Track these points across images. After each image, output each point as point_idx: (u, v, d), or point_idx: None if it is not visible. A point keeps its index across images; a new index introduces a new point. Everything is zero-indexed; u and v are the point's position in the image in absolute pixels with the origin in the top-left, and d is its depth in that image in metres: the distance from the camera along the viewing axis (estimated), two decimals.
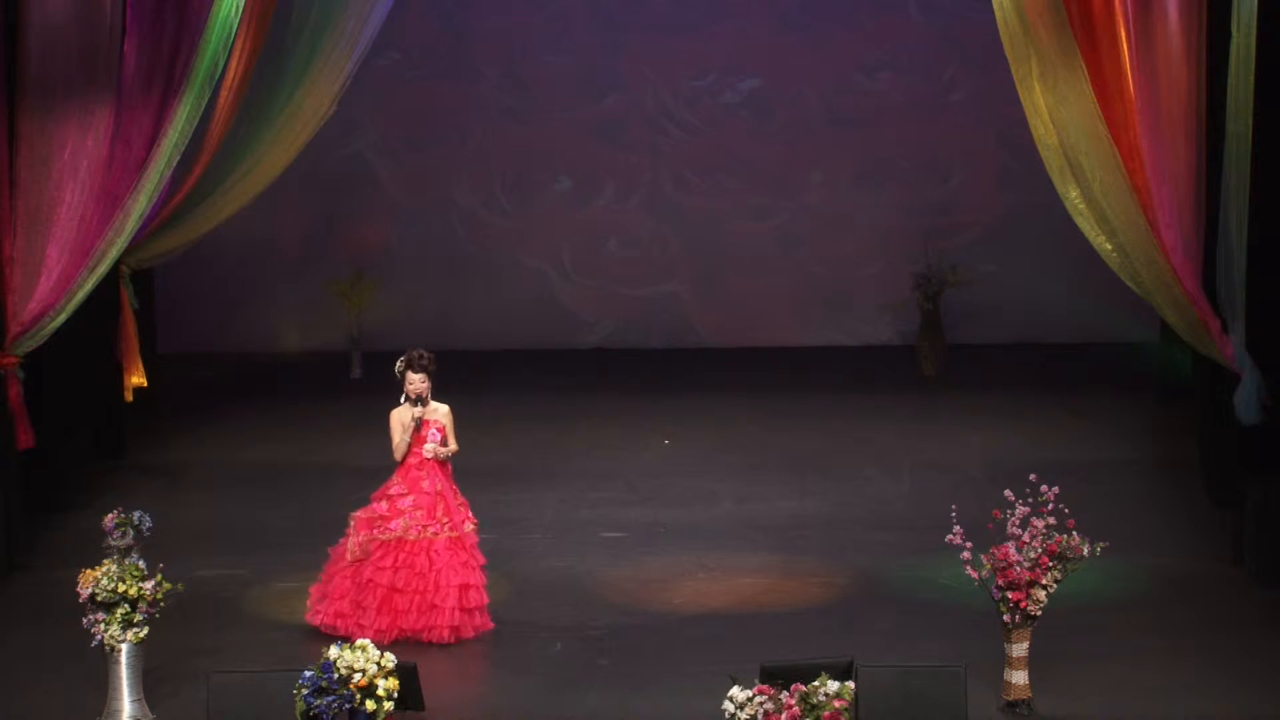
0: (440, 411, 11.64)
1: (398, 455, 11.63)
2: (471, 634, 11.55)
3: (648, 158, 19.51)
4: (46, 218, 12.78)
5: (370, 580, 11.53)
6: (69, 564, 11.18)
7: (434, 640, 11.43)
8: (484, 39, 19.33)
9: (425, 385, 11.54)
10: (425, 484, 11.58)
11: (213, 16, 13.05)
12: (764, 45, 19.30)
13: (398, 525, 11.53)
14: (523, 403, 17.00)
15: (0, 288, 12.73)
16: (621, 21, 19.32)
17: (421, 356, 11.55)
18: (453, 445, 11.67)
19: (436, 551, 11.50)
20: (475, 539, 11.69)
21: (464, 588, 11.52)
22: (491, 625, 11.67)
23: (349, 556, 11.62)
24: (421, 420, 11.56)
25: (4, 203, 12.68)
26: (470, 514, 11.73)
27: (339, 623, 11.52)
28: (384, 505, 11.61)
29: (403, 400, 11.61)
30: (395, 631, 11.45)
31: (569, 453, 15.81)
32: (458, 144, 19.48)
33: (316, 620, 11.59)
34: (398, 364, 11.60)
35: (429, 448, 11.55)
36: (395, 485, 11.64)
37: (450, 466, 11.73)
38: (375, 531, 11.57)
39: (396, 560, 11.50)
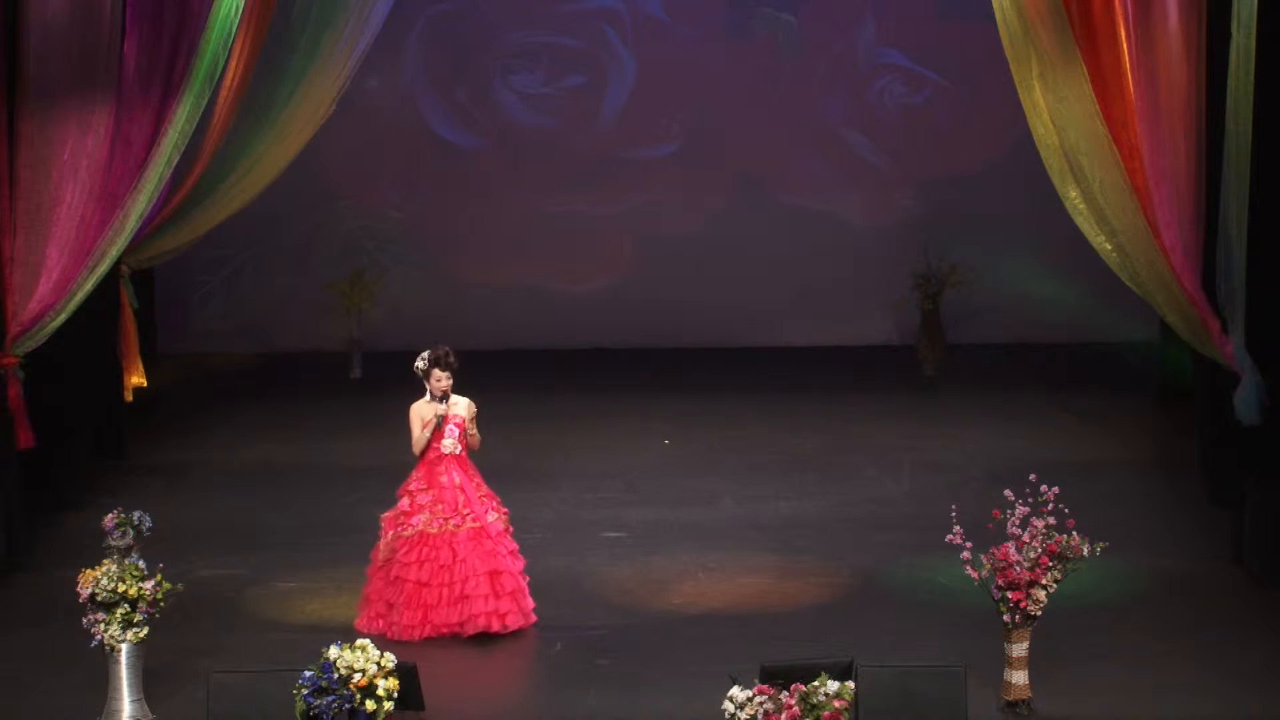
0: (461, 405, 11.67)
1: (416, 450, 11.66)
2: (521, 621, 11.60)
3: (650, 157, 19.51)
4: (46, 218, 12.78)
5: (398, 577, 11.58)
6: (69, 564, 11.17)
7: (476, 631, 11.45)
8: (486, 47, 19.36)
9: (448, 383, 11.58)
10: (444, 478, 11.60)
11: (213, 16, 13.05)
12: (762, 45, 19.33)
13: (419, 520, 11.56)
14: (523, 403, 16.99)
15: (0, 288, 12.72)
16: (627, 22, 19.33)
17: (447, 354, 11.58)
18: (475, 436, 11.70)
19: (459, 543, 11.52)
20: (501, 528, 11.69)
21: (494, 574, 11.55)
22: (534, 620, 11.73)
23: (379, 558, 11.68)
24: (443, 417, 11.58)
25: (4, 203, 12.68)
26: (497, 505, 11.76)
27: (377, 623, 11.59)
28: (405, 502, 11.65)
29: (427, 397, 11.65)
30: (429, 627, 11.48)
31: (569, 453, 15.81)
32: (459, 146, 19.48)
33: (361, 626, 11.62)
34: (421, 361, 11.61)
35: (446, 443, 11.57)
36: (415, 481, 11.68)
37: (471, 461, 11.73)
38: (399, 529, 11.62)
39: (420, 555, 11.53)
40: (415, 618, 11.49)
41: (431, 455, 11.65)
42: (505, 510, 11.84)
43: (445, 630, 11.49)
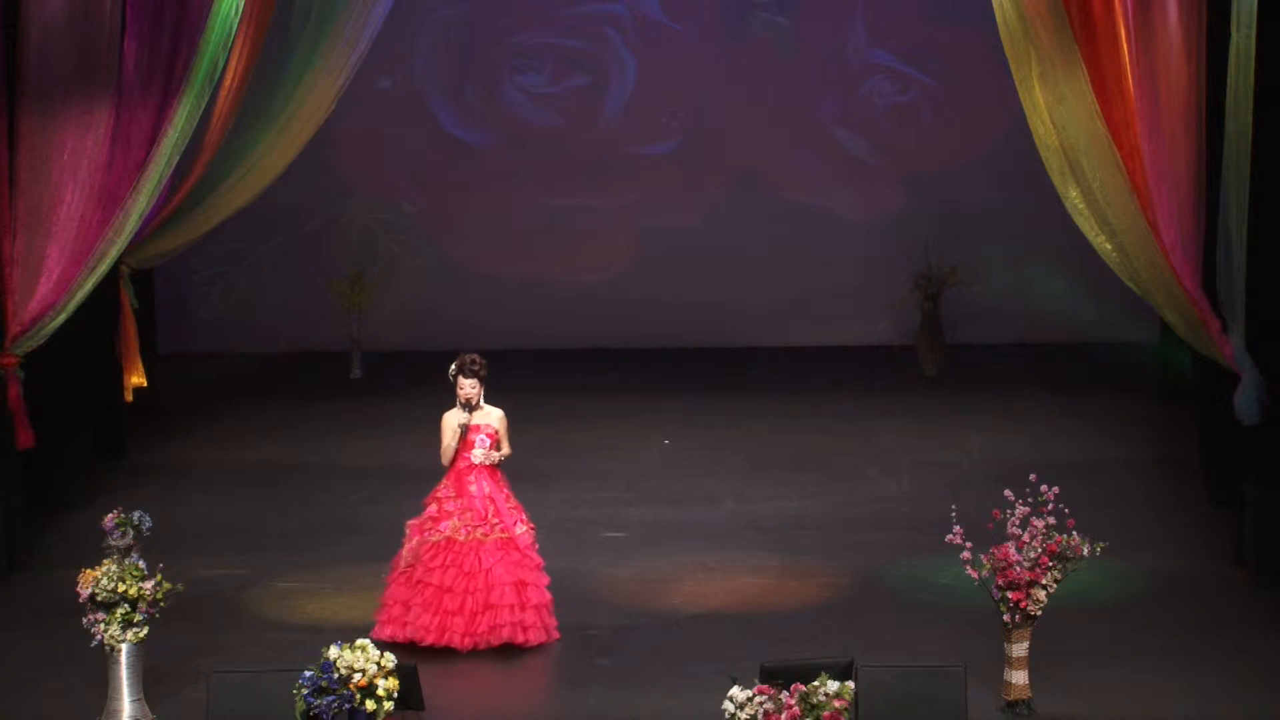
0: (493, 416, 11.52)
1: (444, 459, 11.54)
2: (544, 636, 11.42)
3: (649, 157, 19.53)
4: (46, 218, 12.78)
5: (420, 581, 11.47)
6: (69, 564, 11.18)
7: (500, 642, 11.30)
8: (493, 48, 19.40)
9: (475, 390, 11.43)
10: (474, 488, 11.47)
11: (213, 16, 13.04)
12: (758, 46, 19.36)
13: (446, 526, 11.45)
14: (523, 403, 16.87)
15: (0, 288, 12.72)
16: (628, 24, 19.36)
17: (473, 362, 11.44)
18: (505, 449, 11.55)
19: (486, 552, 11.38)
20: (530, 541, 11.54)
21: (520, 585, 11.41)
22: (556, 636, 11.54)
23: (402, 564, 11.58)
24: (469, 426, 11.45)
25: (4, 203, 12.69)
26: (525, 518, 11.60)
27: (391, 627, 11.48)
28: (433, 508, 11.53)
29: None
30: (445, 634, 11.33)
31: (569, 453, 15.80)
32: (468, 143, 19.51)
33: (382, 634, 11.46)
34: (451, 368, 11.51)
35: (477, 454, 11.43)
36: (444, 489, 11.55)
37: (501, 471, 11.58)
38: (426, 534, 11.51)
39: (445, 560, 11.42)
40: (432, 622, 11.36)
41: (461, 464, 11.51)
42: (532, 525, 11.67)
43: (466, 641, 11.31)
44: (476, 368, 11.44)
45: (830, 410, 17.00)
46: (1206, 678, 10.83)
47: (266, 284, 19.62)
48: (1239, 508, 12.65)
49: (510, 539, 11.45)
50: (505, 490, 11.59)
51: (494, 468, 11.52)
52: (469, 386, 11.43)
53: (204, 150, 14.66)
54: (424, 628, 11.38)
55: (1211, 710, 10.42)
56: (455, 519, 11.45)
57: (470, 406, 11.45)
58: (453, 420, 11.49)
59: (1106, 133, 12.47)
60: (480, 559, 11.40)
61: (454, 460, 11.51)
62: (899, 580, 12.56)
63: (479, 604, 11.36)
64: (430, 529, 11.50)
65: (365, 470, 15.20)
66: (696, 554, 13.15)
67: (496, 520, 11.45)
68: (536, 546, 11.66)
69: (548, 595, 11.57)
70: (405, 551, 11.57)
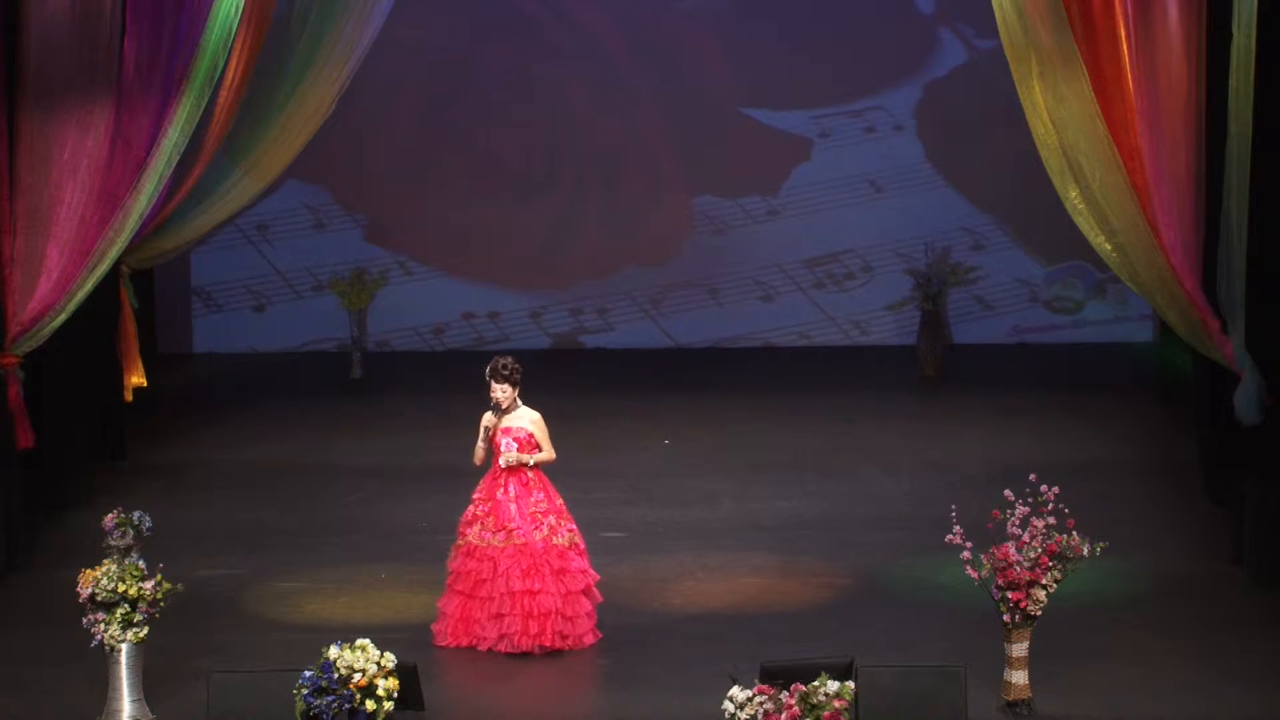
0: (526, 418, 11.47)
1: (474, 460, 11.54)
2: (559, 642, 11.32)
3: (648, 158, 19.53)
4: (46, 218, 12.78)
5: (449, 585, 11.54)
6: (69, 564, 11.18)
7: (514, 650, 11.26)
8: (490, 46, 19.40)
9: (505, 394, 11.37)
10: (500, 492, 11.42)
11: (213, 16, 13.04)
12: (762, 47, 19.36)
13: (471, 533, 11.44)
14: (522, 403, 16.96)
15: (0, 288, 12.72)
16: (630, 25, 19.38)
17: (504, 366, 11.39)
18: (547, 453, 11.47)
19: (500, 560, 11.32)
20: (552, 545, 11.35)
21: (528, 594, 11.29)
22: (589, 642, 11.44)
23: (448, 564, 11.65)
24: (494, 429, 11.39)
25: (4, 203, 12.68)
26: (557, 521, 11.44)
27: (437, 628, 11.55)
28: (469, 510, 11.52)
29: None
30: (468, 638, 11.37)
31: (569, 453, 15.73)
32: (459, 147, 19.50)
33: (441, 642, 11.53)
34: (486, 370, 11.45)
35: (503, 458, 11.39)
36: (478, 491, 11.54)
37: (538, 473, 11.46)
38: (458, 539, 11.53)
39: (466, 567, 11.43)
40: (459, 628, 11.40)
41: (495, 467, 11.48)
42: (571, 527, 11.50)
43: (485, 645, 11.33)
44: (507, 372, 11.38)
45: (830, 410, 16.99)
46: (1206, 677, 10.83)
47: (267, 284, 19.63)
48: (1239, 507, 12.65)
49: (525, 545, 11.34)
50: (536, 495, 11.46)
51: (528, 471, 11.43)
52: (498, 390, 11.40)
53: (204, 150, 14.66)
54: (448, 633, 11.43)
55: (1211, 710, 10.42)
56: (479, 524, 11.43)
57: (500, 409, 11.42)
58: (485, 421, 11.47)
59: (1106, 133, 12.47)
60: (494, 566, 11.36)
61: (490, 462, 11.47)
62: (899, 580, 12.56)
63: (492, 612, 11.35)
64: (460, 533, 11.51)
65: (365, 470, 15.19)
66: (696, 554, 13.15)
67: (514, 526, 11.35)
68: (579, 547, 11.52)
69: (567, 605, 11.39)
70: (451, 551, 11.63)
